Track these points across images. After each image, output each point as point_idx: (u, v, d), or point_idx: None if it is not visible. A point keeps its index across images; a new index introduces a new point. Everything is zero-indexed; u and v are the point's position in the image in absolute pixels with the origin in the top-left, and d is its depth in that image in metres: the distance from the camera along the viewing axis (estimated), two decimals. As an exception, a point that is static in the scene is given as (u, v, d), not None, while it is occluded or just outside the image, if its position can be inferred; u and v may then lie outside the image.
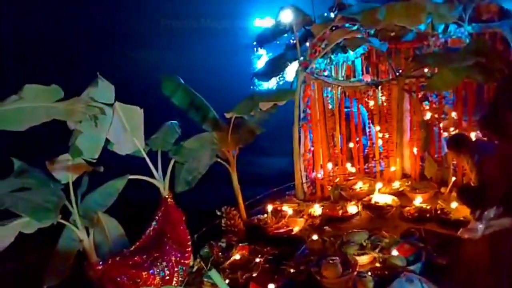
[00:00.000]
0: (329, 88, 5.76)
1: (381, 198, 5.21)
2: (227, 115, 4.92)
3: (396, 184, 5.57)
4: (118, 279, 3.68)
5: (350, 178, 5.95)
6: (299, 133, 5.60)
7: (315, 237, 4.54)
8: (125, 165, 4.21)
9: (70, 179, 3.59)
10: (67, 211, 3.75)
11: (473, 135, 5.08)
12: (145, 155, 4.10)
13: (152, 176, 4.19)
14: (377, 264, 3.94)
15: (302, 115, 5.56)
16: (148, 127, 4.18)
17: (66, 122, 3.48)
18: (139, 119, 3.90)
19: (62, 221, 3.60)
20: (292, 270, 4.04)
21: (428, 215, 4.72)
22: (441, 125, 5.47)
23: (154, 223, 4.17)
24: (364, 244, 4.20)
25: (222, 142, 4.95)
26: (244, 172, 5.43)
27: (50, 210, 3.17)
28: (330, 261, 3.80)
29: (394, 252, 3.95)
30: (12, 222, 3.16)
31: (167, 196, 4.24)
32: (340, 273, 3.73)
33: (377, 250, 4.08)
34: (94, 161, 3.72)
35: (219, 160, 5.06)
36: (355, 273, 3.73)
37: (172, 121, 4.54)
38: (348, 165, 6.09)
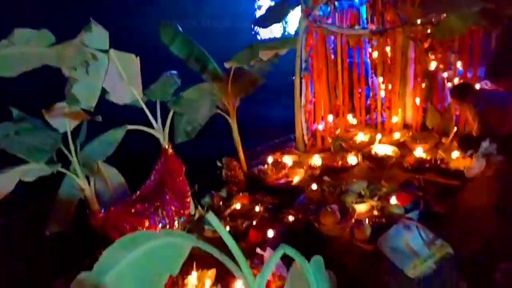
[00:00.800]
0: (332, 37, 5.60)
1: (382, 148, 5.18)
2: (227, 65, 4.80)
3: (397, 135, 5.53)
4: (120, 226, 3.74)
5: (351, 129, 5.91)
6: (301, 83, 5.51)
7: (314, 186, 4.56)
8: (125, 116, 4.18)
9: (68, 127, 3.58)
10: (67, 160, 3.77)
11: (477, 85, 4.98)
12: (143, 105, 4.04)
13: (152, 127, 4.16)
14: (375, 212, 3.98)
15: (303, 65, 5.43)
16: (147, 78, 4.10)
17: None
18: (136, 68, 3.80)
19: (63, 169, 3.63)
20: (291, 218, 4.10)
21: (428, 165, 4.71)
22: (445, 75, 5.35)
23: (154, 173, 4.19)
24: (363, 193, 4.22)
25: (222, 92, 4.87)
26: (245, 123, 5.40)
27: (46, 151, 3.18)
28: (329, 209, 3.84)
29: (393, 201, 3.99)
30: (11, 170, 3.18)
31: (167, 147, 4.23)
32: (338, 221, 3.78)
33: (375, 199, 4.10)
34: (92, 110, 3.68)
35: (219, 111, 5.01)
36: (353, 220, 3.78)
37: (171, 71, 4.45)
38: (350, 116, 6.03)
